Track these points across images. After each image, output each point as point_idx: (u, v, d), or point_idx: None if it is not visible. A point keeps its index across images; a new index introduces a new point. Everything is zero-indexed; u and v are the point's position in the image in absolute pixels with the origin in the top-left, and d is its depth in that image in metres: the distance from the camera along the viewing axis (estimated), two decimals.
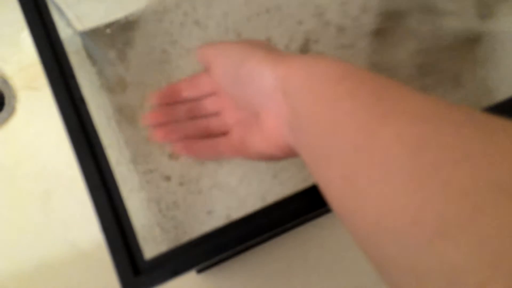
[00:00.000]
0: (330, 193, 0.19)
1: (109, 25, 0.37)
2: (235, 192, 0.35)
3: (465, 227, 0.13)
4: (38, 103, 0.41)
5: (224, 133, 0.30)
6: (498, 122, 0.14)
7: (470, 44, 0.38)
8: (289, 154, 0.24)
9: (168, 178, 0.34)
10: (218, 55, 0.26)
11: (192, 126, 0.30)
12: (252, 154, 0.26)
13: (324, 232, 0.38)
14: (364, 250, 0.17)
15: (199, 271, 0.38)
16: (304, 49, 0.37)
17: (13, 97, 0.41)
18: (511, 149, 0.13)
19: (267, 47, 0.25)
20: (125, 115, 0.33)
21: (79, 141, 0.23)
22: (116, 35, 0.38)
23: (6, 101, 0.41)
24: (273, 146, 0.24)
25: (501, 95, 0.35)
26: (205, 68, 0.29)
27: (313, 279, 0.37)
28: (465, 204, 0.13)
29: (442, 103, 0.16)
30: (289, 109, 0.21)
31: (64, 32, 0.29)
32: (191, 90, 0.31)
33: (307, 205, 0.24)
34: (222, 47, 0.27)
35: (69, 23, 0.32)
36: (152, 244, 0.29)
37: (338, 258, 0.37)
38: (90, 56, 0.31)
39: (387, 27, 0.37)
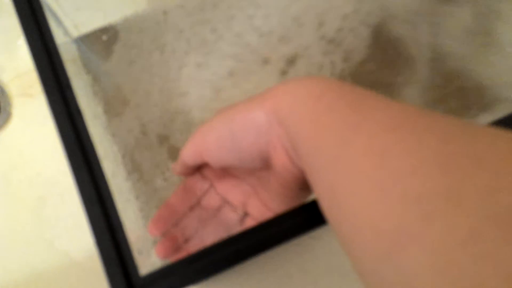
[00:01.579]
0: (322, 205, 0.20)
1: (105, 31, 0.37)
2: None
3: (417, 237, 0.13)
4: (33, 110, 0.41)
5: (242, 217, 0.29)
6: (458, 129, 0.15)
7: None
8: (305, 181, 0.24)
9: (164, 189, 0.34)
10: (205, 136, 0.25)
11: (209, 230, 0.29)
12: (279, 207, 0.26)
13: (321, 242, 0.38)
14: (349, 259, 0.18)
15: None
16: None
17: (9, 104, 0.41)
18: (463, 156, 0.14)
19: (251, 97, 0.24)
20: (120, 125, 0.33)
21: (75, 153, 0.23)
22: (112, 42, 0.37)
23: (2, 108, 0.40)
24: (293, 182, 0.24)
25: None
26: (194, 166, 0.28)
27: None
28: (418, 214, 0.13)
29: (411, 111, 0.17)
30: (286, 134, 0.22)
31: (60, 40, 0.28)
32: (186, 199, 0.30)
33: (306, 221, 0.24)
34: (205, 127, 0.26)
35: (65, 31, 0.32)
36: (147, 257, 0.28)
37: (336, 268, 0.37)
38: (86, 64, 0.31)
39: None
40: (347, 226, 0.17)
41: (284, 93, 0.22)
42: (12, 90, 0.41)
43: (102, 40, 0.37)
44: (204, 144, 0.26)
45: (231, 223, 0.30)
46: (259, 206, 0.28)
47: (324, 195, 0.19)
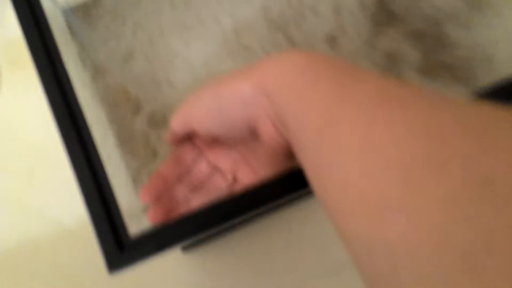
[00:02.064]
0: (308, 176, 0.20)
1: (94, 2, 0.37)
2: None
3: (401, 201, 0.14)
4: (23, 80, 0.41)
5: (232, 183, 0.30)
6: (443, 101, 0.15)
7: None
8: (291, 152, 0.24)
9: (154, 155, 0.35)
10: (193, 107, 0.26)
11: (199, 197, 0.30)
12: (267, 174, 0.27)
13: (309, 213, 0.39)
14: (334, 227, 0.18)
15: (185, 249, 0.38)
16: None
17: None
18: (447, 125, 0.14)
19: (237, 70, 0.25)
20: (109, 95, 0.33)
21: (64, 119, 0.23)
22: (99, 10, 0.37)
23: None
24: (279, 151, 0.24)
25: None
26: (184, 135, 0.29)
27: (298, 259, 0.38)
28: (401, 180, 0.14)
29: (396, 84, 0.17)
30: (272, 107, 0.22)
31: (48, 9, 0.28)
32: (177, 167, 0.30)
33: (292, 185, 0.24)
34: (193, 98, 0.26)
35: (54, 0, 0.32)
36: (138, 222, 0.29)
37: (322, 238, 0.38)
38: (73, 32, 0.31)
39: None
40: (332, 195, 0.17)
41: (270, 67, 0.22)
42: (1, 60, 0.41)
43: (89, 8, 0.36)
44: (193, 114, 0.26)
45: (221, 190, 0.31)
46: (248, 173, 0.29)
47: (310, 166, 0.19)
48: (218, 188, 0.30)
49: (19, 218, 0.39)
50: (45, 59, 0.25)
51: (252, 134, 0.26)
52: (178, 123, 0.28)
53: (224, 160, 0.30)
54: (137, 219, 0.28)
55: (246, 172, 0.29)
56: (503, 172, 0.12)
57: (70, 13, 0.36)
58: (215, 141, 0.30)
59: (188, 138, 0.31)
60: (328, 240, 0.38)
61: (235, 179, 0.31)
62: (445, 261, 0.12)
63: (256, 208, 0.23)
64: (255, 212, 0.24)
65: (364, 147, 0.15)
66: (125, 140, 0.34)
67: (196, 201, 0.30)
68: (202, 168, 0.31)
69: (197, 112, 0.26)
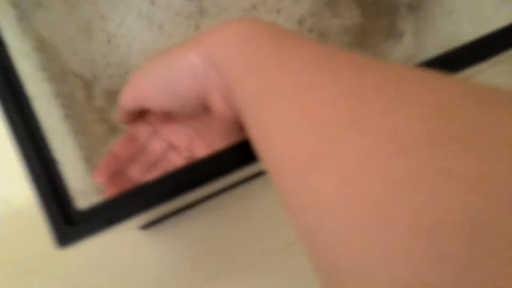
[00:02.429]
0: (255, 146, 0.20)
1: None
2: None
3: (323, 160, 0.14)
4: None
5: (188, 159, 0.30)
6: (371, 62, 0.16)
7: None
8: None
9: (110, 132, 0.33)
10: (141, 81, 0.25)
11: (155, 176, 0.29)
12: (221, 143, 0.27)
13: (264, 188, 0.39)
14: (276, 193, 0.19)
15: (144, 228, 0.38)
16: None
17: None
18: (369, 86, 0.15)
19: (183, 41, 0.24)
20: (53, 64, 0.31)
21: (3, 91, 0.22)
22: None
23: None
24: (231, 123, 0.24)
25: None
26: (135, 112, 0.28)
27: (253, 235, 0.38)
28: (326, 139, 0.15)
29: (331, 49, 0.18)
30: (220, 78, 0.22)
31: None
32: (130, 146, 0.29)
33: (243, 157, 0.25)
34: (140, 72, 0.25)
35: None
36: (89, 198, 0.28)
37: (277, 214, 0.39)
38: (15, 2, 0.29)
39: None
40: (271, 160, 0.18)
41: (216, 37, 0.22)
42: None
43: None
44: (141, 90, 0.25)
45: (175, 165, 0.30)
46: (204, 147, 0.29)
47: (254, 135, 0.20)
48: (174, 165, 0.30)
49: None
50: None
51: (203, 107, 0.25)
52: (127, 100, 0.26)
53: (178, 136, 0.30)
54: (89, 195, 0.27)
55: (201, 147, 0.29)
56: (410, 126, 0.13)
57: None
58: (168, 117, 0.30)
59: (140, 115, 0.30)
60: (283, 216, 0.39)
61: (191, 155, 0.30)
62: (359, 213, 0.13)
63: (207, 181, 0.23)
64: (207, 184, 0.24)
65: (296, 111, 0.16)
66: (74, 116, 0.33)
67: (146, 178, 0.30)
68: (156, 145, 0.30)
69: (145, 87, 0.25)
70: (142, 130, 0.30)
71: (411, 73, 0.15)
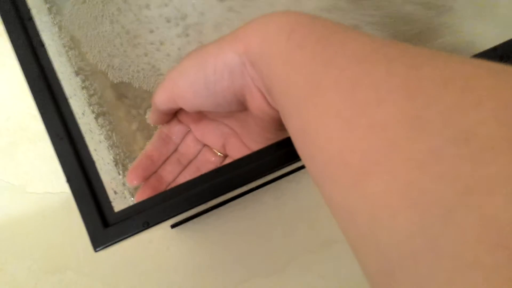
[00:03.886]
0: (296, 145, 0.20)
1: None
2: None
3: (382, 163, 0.13)
4: None
5: (223, 158, 0.29)
6: (427, 56, 0.15)
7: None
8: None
9: (135, 130, 0.33)
10: (176, 82, 0.24)
11: (188, 175, 0.29)
12: (258, 147, 0.26)
13: (298, 186, 0.38)
14: (322, 196, 0.18)
15: (174, 225, 0.38)
16: None
17: None
18: (430, 81, 0.13)
19: (219, 38, 0.23)
20: (86, 63, 0.31)
21: (40, 88, 0.22)
22: None
23: None
24: (270, 122, 0.24)
25: None
26: (169, 111, 0.27)
27: (289, 233, 0.37)
28: (382, 142, 0.13)
29: (380, 43, 0.16)
30: (259, 75, 0.21)
31: None
32: (164, 146, 0.29)
33: (281, 157, 0.24)
34: (174, 73, 0.24)
35: None
36: (124, 197, 0.28)
37: (313, 211, 0.38)
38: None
39: None
40: (318, 162, 0.17)
41: (254, 32, 0.21)
42: None
43: None
44: (177, 90, 0.25)
45: (211, 167, 0.30)
46: (239, 146, 0.28)
47: (297, 134, 0.19)
48: (209, 165, 0.30)
49: (1, 195, 0.37)
50: (17, 22, 0.23)
51: (240, 106, 0.25)
52: (161, 100, 0.26)
53: (212, 135, 0.29)
54: (122, 195, 0.27)
55: (236, 146, 0.28)
56: (484, 127, 0.11)
57: None
58: (203, 116, 0.29)
59: (173, 115, 0.29)
60: (320, 214, 0.38)
61: (225, 155, 0.30)
62: (425, 222, 0.12)
63: (245, 183, 0.23)
64: (245, 187, 0.23)
65: (347, 110, 0.15)
66: (105, 115, 0.32)
67: (185, 180, 0.29)
68: (189, 145, 0.30)
69: (181, 87, 0.24)
70: (176, 130, 0.30)
71: (478, 67, 0.13)
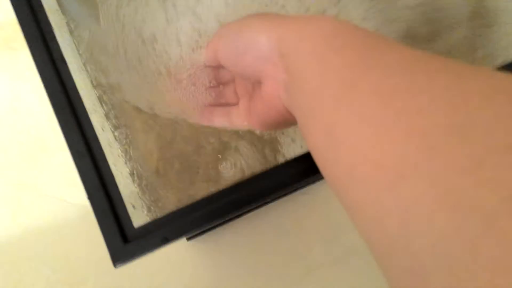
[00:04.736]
0: (314, 147, 0.19)
1: None
2: None
3: (420, 167, 0.13)
4: (18, 64, 0.39)
5: (235, 103, 0.30)
6: (470, 69, 0.15)
7: None
8: (288, 119, 0.24)
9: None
10: (220, 38, 0.26)
11: (210, 92, 0.30)
12: (256, 123, 0.27)
13: (313, 198, 0.38)
14: (339, 199, 0.18)
15: (189, 238, 0.38)
16: None
17: None
18: (474, 93, 0.14)
19: (266, 15, 0.24)
20: (107, 79, 0.32)
21: (61, 103, 0.22)
22: None
23: None
24: (273, 112, 0.24)
25: None
26: (218, 62, 0.29)
27: (302, 245, 0.37)
28: (421, 147, 0.13)
29: (423, 54, 0.16)
30: (284, 70, 0.21)
31: None
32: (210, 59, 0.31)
33: (300, 173, 0.24)
34: (223, 29, 0.27)
35: None
36: (141, 211, 0.28)
37: (328, 223, 0.37)
38: (66, 11, 0.29)
39: None
40: (343, 164, 0.17)
41: (294, 28, 0.21)
42: None
43: None
44: (217, 49, 0.27)
45: (227, 99, 0.31)
46: (246, 108, 0.29)
47: (318, 134, 0.19)
48: (225, 99, 0.31)
49: (20, 205, 0.38)
50: (39, 38, 0.24)
51: (257, 85, 0.26)
52: (208, 55, 0.28)
53: (239, 83, 0.30)
54: (140, 209, 0.27)
55: (245, 104, 0.29)
56: None
57: None
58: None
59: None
60: (335, 226, 0.37)
61: (236, 103, 0.30)
62: (465, 225, 0.12)
63: (263, 199, 0.23)
64: (264, 200, 0.23)
65: (385, 114, 0.15)
66: (123, 127, 0.33)
67: (205, 95, 0.30)
68: (224, 74, 0.31)
69: (220, 48, 0.26)
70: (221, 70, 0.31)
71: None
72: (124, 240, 0.21)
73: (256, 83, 0.26)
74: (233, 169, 0.35)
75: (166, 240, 0.22)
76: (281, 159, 0.35)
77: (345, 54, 0.18)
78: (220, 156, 0.36)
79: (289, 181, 0.23)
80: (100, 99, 0.29)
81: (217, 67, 0.30)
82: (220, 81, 0.31)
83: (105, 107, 0.29)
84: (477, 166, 0.12)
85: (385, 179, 0.14)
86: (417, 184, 0.13)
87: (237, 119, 0.30)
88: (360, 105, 0.16)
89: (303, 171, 0.24)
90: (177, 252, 0.37)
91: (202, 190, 0.35)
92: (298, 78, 0.20)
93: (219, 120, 0.30)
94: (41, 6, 0.25)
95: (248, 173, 0.35)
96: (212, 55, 0.28)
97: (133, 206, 0.25)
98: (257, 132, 0.36)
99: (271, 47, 0.22)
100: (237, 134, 0.36)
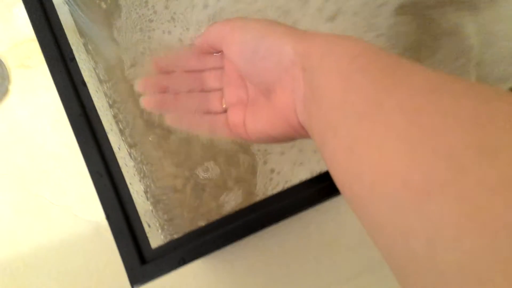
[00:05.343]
0: (333, 163, 0.19)
1: None
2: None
3: (448, 186, 0.13)
4: (32, 82, 0.40)
5: (223, 111, 0.29)
6: (496, 92, 0.15)
7: None
8: (299, 133, 0.24)
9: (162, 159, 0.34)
10: (235, 30, 0.25)
11: (189, 99, 0.29)
12: (251, 135, 0.26)
13: (326, 216, 0.38)
14: (359, 217, 0.18)
15: None
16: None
17: (6, 76, 0.39)
18: (501, 115, 0.14)
19: (288, 26, 0.24)
20: (120, 97, 0.32)
21: (81, 127, 0.22)
22: (111, 9, 0.36)
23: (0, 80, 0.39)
24: (283, 124, 0.24)
25: None
26: (213, 45, 0.28)
27: (314, 263, 0.37)
28: (449, 165, 0.13)
29: (448, 76, 0.17)
30: (306, 84, 0.21)
31: (57, 5, 0.27)
32: (194, 61, 0.29)
33: (315, 195, 0.24)
34: (240, 23, 0.26)
35: None
36: (156, 230, 0.28)
37: (340, 241, 0.37)
38: (81, 30, 0.30)
39: None
40: (365, 181, 0.16)
41: (319, 45, 0.21)
42: (10, 61, 0.40)
43: (101, 7, 0.35)
44: (229, 37, 0.26)
45: (210, 107, 0.29)
46: (240, 117, 0.27)
47: (340, 151, 0.18)
48: (210, 105, 0.29)
49: (33, 223, 0.38)
50: (60, 63, 0.24)
51: (265, 92, 0.25)
52: (213, 31, 0.27)
53: (232, 90, 0.28)
54: (155, 227, 0.27)
55: (238, 115, 0.27)
56: None
57: (77, 10, 0.35)
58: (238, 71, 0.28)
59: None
60: (347, 244, 0.37)
61: (225, 111, 0.29)
62: (495, 245, 0.12)
63: (279, 220, 0.23)
64: (281, 221, 0.23)
65: (411, 132, 0.15)
66: (136, 146, 0.33)
67: (182, 100, 0.28)
68: (210, 79, 0.29)
69: (235, 36, 0.25)
70: (212, 56, 0.29)
71: None
72: (142, 261, 0.21)
73: (264, 91, 0.25)
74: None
75: (183, 261, 0.22)
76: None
77: (369, 73, 0.18)
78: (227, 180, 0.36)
79: (306, 202, 0.23)
80: (116, 118, 0.29)
81: (204, 52, 0.29)
82: (204, 66, 0.29)
83: (120, 125, 0.30)
84: (506, 186, 0.12)
85: (411, 197, 0.14)
86: (444, 203, 0.13)
87: (223, 129, 0.28)
88: (385, 122, 0.16)
89: (320, 191, 0.24)
90: (189, 269, 0.37)
91: (212, 209, 0.35)
92: (320, 94, 0.20)
93: (198, 128, 0.28)
94: (61, 27, 0.26)
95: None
96: (214, 38, 0.27)
97: (149, 225, 0.25)
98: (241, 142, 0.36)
99: (295, 60, 0.22)
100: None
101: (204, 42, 0.28)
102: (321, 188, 0.24)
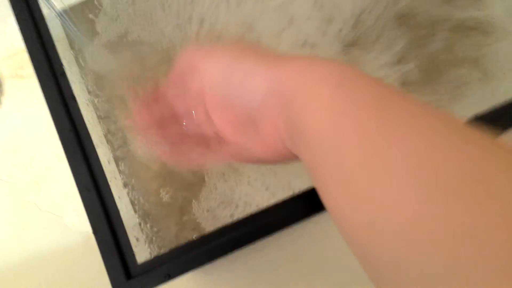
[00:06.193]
0: (327, 193, 0.19)
1: (91, 10, 0.36)
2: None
3: (462, 229, 0.13)
4: (25, 92, 0.40)
5: (219, 141, 0.27)
6: (487, 142, 0.15)
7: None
8: (290, 158, 0.23)
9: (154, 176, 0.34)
10: (206, 57, 0.23)
11: (179, 132, 0.26)
12: (251, 160, 0.25)
13: (315, 227, 0.38)
14: (350, 247, 0.18)
15: None
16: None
17: (0, 85, 0.40)
18: (491, 165, 0.14)
19: (260, 49, 0.23)
20: (110, 109, 0.32)
21: (70, 141, 0.23)
22: (101, 20, 0.36)
23: None
24: (272, 152, 0.23)
25: None
26: (184, 74, 0.25)
27: (305, 276, 0.37)
28: (467, 209, 0.13)
29: (428, 106, 0.17)
30: (285, 115, 0.20)
31: (48, 16, 0.27)
32: (178, 101, 0.27)
33: (302, 210, 0.24)
34: (211, 50, 0.24)
35: (51, 6, 0.30)
36: (143, 243, 0.28)
37: (330, 253, 0.37)
38: (73, 46, 0.30)
39: None
40: (366, 216, 0.16)
41: (295, 69, 0.20)
42: (3, 71, 0.40)
43: (89, 19, 0.35)
44: (202, 65, 0.23)
45: (203, 141, 0.26)
46: (240, 143, 0.25)
47: (334, 182, 0.18)
48: (203, 139, 0.26)
49: (22, 232, 0.38)
50: (50, 76, 0.24)
51: (249, 122, 0.23)
52: (184, 60, 0.24)
53: (220, 118, 0.25)
54: (142, 241, 0.27)
55: (238, 140, 0.25)
56: None
57: (66, 18, 0.35)
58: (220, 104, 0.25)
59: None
60: (337, 257, 0.37)
61: (220, 141, 0.26)
62: (496, 278, 0.12)
63: (266, 236, 0.23)
64: (269, 236, 0.23)
65: (414, 164, 0.15)
66: (125, 158, 0.33)
67: (174, 135, 0.26)
68: (197, 114, 0.26)
69: (206, 68, 0.23)
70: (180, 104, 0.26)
71: None
72: (128, 276, 0.21)
73: (247, 123, 0.23)
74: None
75: (168, 276, 0.22)
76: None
77: (355, 106, 0.17)
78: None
79: (295, 216, 0.24)
80: (105, 131, 0.29)
81: (178, 86, 0.25)
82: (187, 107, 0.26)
83: (110, 138, 0.30)
84: (503, 222, 0.12)
85: (415, 234, 0.14)
86: (453, 241, 0.13)
87: (223, 157, 0.26)
88: (382, 155, 0.16)
89: (310, 206, 0.24)
90: (178, 282, 0.37)
91: (195, 223, 0.35)
92: (305, 129, 0.19)
93: (193, 162, 0.26)
94: (51, 41, 0.26)
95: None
96: (184, 65, 0.24)
97: (137, 239, 0.25)
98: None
99: (270, 85, 0.20)
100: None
101: (177, 74, 0.26)
102: (313, 202, 0.24)
